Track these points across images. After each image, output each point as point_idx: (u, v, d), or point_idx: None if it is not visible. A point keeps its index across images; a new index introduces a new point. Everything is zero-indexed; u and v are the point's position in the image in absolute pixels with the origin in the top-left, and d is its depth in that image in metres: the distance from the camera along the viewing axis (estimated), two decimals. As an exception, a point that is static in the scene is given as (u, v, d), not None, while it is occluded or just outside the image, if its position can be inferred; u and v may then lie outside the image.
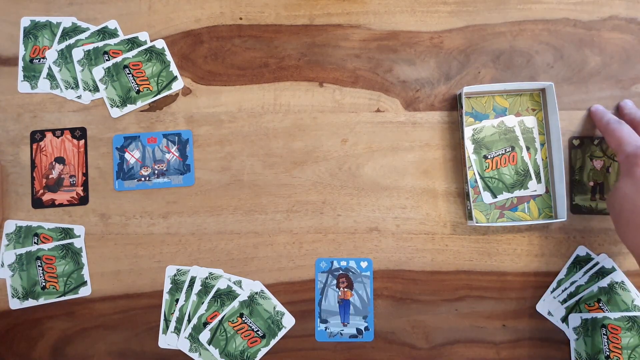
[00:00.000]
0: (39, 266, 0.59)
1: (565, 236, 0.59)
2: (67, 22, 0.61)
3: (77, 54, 0.61)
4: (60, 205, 0.59)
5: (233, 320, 0.58)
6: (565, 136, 0.60)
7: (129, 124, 0.61)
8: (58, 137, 0.60)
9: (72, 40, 0.61)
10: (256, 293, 0.58)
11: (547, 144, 0.59)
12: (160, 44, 0.61)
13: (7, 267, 0.58)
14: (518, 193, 0.59)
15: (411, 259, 0.59)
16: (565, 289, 0.58)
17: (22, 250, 0.59)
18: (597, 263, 0.58)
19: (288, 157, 0.60)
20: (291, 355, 0.58)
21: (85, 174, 0.60)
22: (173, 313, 0.58)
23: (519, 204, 0.59)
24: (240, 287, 0.58)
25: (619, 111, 0.59)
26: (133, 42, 0.61)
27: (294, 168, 0.60)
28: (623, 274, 0.58)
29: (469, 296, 0.59)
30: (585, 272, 0.58)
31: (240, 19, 0.62)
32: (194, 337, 0.57)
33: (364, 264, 0.59)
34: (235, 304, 0.58)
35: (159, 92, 0.61)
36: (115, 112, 0.60)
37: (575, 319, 0.57)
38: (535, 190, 0.59)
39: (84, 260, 0.59)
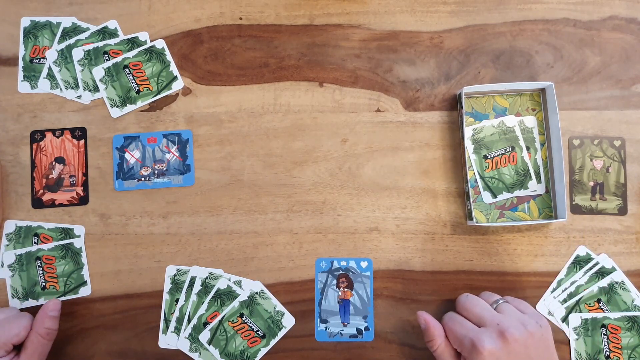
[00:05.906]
0: (38, 266, 0.59)
1: (565, 236, 0.59)
2: (67, 22, 0.61)
3: (77, 54, 0.61)
4: (60, 205, 0.59)
5: (233, 320, 0.58)
6: (565, 136, 0.60)
7: (129, 124, 0.60)
8: (58, 137, 0.60)
9: (72, 40, 0.61)
10: (256, 293, 0.58)
11: (547, 144, 0.59)
12: (160, 44, 0.61)
13: (7, 267, 0.58)
14: (518, 193, 0.59)
15: (411, 259, 0.59)
16: (565, 289, 0.58)
17: (22, 251, 0.59)
18: (597, 263, 0.58)
19: (288, 157, 0.60)
20: (291, 355, 0.58)
21: (85, 174, 0.60)
22: (173, 313, 0.58)
23: (519, 204, 0.59)
24: (240, 287, 0.58)
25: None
26: (133, 42, 0.61)
27: (294, 168, 0.60)
28: (623, 274, 0.58)
29: (469, 296, 0.59)
30: (585, 272, 0.58)
31: (240, 19, 0.62)
32: (194, 337, 0.57)
33: (364, 264, 0.59)
34: (235, 304, 0.58)
35: (159, 92, 0.61)
36: (115, 112, 0.60)
37: (575, 319, 0.57)
38: (535, 190, 0.59)
39: (84, 260, 0.59)
